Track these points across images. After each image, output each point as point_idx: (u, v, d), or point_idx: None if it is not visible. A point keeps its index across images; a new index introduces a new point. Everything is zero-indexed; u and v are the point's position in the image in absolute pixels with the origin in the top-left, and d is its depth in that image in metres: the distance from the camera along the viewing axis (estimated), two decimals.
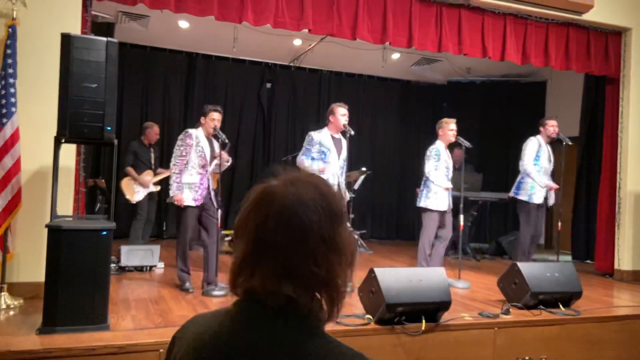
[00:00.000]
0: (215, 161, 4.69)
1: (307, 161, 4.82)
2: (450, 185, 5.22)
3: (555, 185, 5.56)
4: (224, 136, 4.59)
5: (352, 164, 5.88)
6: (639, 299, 4.77)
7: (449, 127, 5.26)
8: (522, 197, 5.58)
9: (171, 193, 4.49)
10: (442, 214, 5.20)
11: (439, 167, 5.21)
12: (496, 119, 8.94)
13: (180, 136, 4.61)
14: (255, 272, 0.92)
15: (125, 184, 6.02)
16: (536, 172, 5.55)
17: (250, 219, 0.94)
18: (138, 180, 6.04)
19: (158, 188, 6.23)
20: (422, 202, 5.23)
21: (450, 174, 5.31)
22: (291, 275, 0.91)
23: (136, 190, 6.02)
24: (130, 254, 5.17)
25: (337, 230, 0.93)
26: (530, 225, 5.54)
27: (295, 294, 0.91)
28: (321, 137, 4.81)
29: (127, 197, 5.95)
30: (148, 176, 6.11)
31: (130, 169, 6.05)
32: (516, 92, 8.97)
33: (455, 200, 5.43)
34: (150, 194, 6.14)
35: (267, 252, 0.91)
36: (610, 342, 3.90)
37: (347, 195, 5.02)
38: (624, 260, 5.97)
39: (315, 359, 0.87)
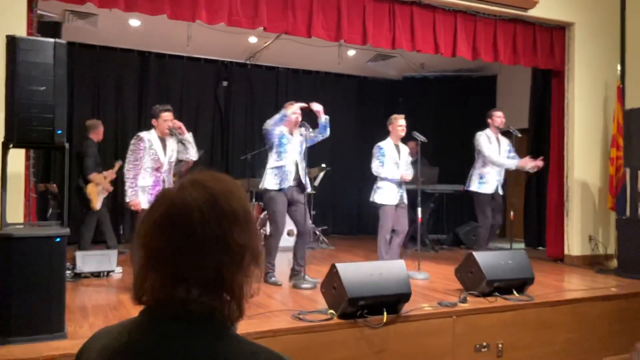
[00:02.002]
0: (170, 160, 4.62)
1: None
2: (397, 175, 5.29)
3: (527, 162, 5.73)
4: (180, 135, 4.55)
5: (312, 161, 5.89)
6: (589, 283, 5.02)
7: (398, 123, 5.38)
8: (473, 188, 5.78)
9: (127, 199, 4.41)
10: (394, 208, 5.30)
11: (386, 163, 5.33)
12: (450, 113, 9.16)
13: (133, 140, 4.53)
14: (148, 279, 0.92)
15: (92, 190, 5.82)
16: (498, 156, 5.72)
17: (142, 226, 0.95)
18: (103, 186, 5.89)
19: (112, 189, 6.12)
20: (373, 197, 5.37)
21: (404, 168, 5.40)
22: (182, 279, 0.90)
23: (99, 196, 5.89)
24: (86, 260, 5.03)
25: (229, 230, 0.92)
26: (485, 215, 5.73)
27: (190, 297, 0.90)
28: (281, 129, 4.84)
29: (93, 205, 5.80)
30: (106, 179, 6.01)
31: (95, 176, 5.84)
32: (469, 86, 9.21)
33: (413, 194, 5.56)
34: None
35: (157, 258, 0.92)
36: (562, 325, 4.09)
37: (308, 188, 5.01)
38: (573, 246, 6.25)
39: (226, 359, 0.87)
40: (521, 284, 4.21)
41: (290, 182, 4.79)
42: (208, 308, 0.91)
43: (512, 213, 6.02)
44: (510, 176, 6.11)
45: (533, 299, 4.08)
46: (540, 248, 7.19)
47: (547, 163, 6.69)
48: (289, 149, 4.83)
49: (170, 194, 0.95)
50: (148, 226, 0.93)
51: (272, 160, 4.86)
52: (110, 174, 6.06)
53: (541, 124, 7.36)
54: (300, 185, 4.87)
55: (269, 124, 4.84)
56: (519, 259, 4.31)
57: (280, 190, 4.78)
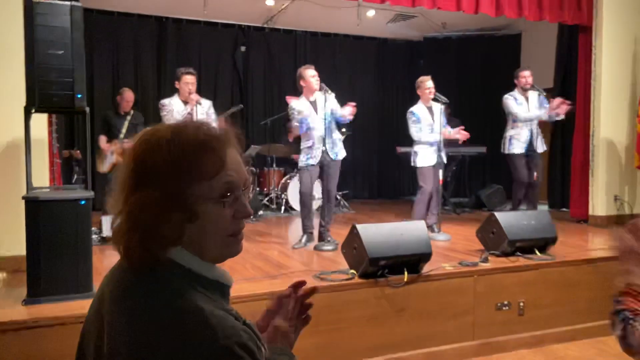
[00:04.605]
0: None
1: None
2: (433, 138, 5.30)
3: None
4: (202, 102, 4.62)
5: None
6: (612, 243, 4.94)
7: (426, 86, 5.35)
8: (505, 150, 5.88)
9: None
10: (432, 168, 5.31)
11: (423, 128, 5.33)
12: (473, 73, 8.96)
13: (160, 110, 4.65)
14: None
15: (98, 153, 5.88)
16: (526, 112, 5.71)
17: None
18: (103, 149, 5.87)
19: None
20: (414, 161, 5.41)
21: (439, 130, 5.33)
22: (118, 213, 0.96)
23: (104, 161, 5.87)
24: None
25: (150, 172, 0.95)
26: (519, 175, 5.78)
27: (120, 235, 0.94)
28: (298, 104, 4.80)
29: (97, 166, 5.84)
30: (114, 146, 5.94)
31: (101, 138, 5.85)
32: (492, 45, 8.96)
33: None
34: (115, 164, 5.94)
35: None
36: (584, 283, 4.06)
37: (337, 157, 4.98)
38: (597, 206, 6.15)
39: (154, 310, 0.87)
40: (544, 244, 4.18)
41: (318, 158, 4.78)
42: (132, 251, 0.92)
43: (535, 174, 5.93)
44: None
45: (555, 258, 4.05)
46: (564, 209, 7.09)
47: (572, 122, 6.54)
48: (314, 124, 4.78)
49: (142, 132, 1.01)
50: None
51: (303, 141, 4.89)
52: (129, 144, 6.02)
53: (567, 82, 7.15)
54: (329, 153, 4.85)
55: (295, 125, 4.81)
56: (541, 219, 4.26)
57: (308, 165, 4.80)
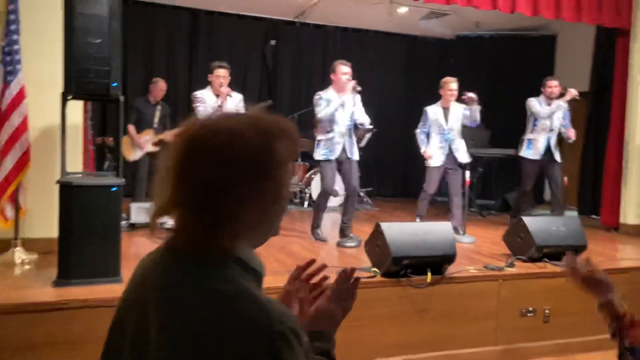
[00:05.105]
0: None
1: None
2: (425, 151, 5.30)
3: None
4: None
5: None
6: None
7: (449, 87, 5.30)
8: (520, 153, 5.94)
9: None
10: (438, 169, 5.29)
11: (431, 129, 5.34)
12: (505, 74, 8.79)
13: (193, 101, 4.77)
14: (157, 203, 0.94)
15: (125, 141, 5.88)
16: (545, 111, 5.68)
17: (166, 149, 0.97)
18: (134, 140, 5.91)
19: (157, 149, 6.11)
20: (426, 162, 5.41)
21: (455, 131, 5.31)
22: (180, 203, 0.91)
23: (134, 149, 5.93)
24: (140, 211, 5.23)
25: (234, 168, 0.91)
26: (525, 181, 5.85)
27: (185, 226, 0.92)
28: (327, 94, 4.79)
29: (125, 154, 5.82)
30: (147, 135, 5.98)
31: (130, 127, 5.89)
32: (525, 46, 8.77)
33: None
34: (151, 154, 6.00)
35: (165, 180, 0.93)
36: None
37: (355, 156, 4.99)
38: (629, 215, 5.99)
39: (204, 295, 0.87)
40: (573, 251, 4.08)
41: (337, 152, 4.78)
42: (200, 240, 0.90)
43: (565, 179, 5.83)
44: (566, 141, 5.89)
45: None
46: (594, 216, 6.93)
47: (607, 128, 6.38)
48: (339, 118, 4.77)
49: (199, 120, 0.96)
50: (168, 148, 0.95)
51: (321, 133, 4.87)
52: (164, 135, 6.03)
53: (603, 87, 6.96)
54: (347, 152, 4.85)
55: (325, 113, 4.75)
56: (571, 225, 4.18)
57: (328, 160, 4.79)
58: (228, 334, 0.84)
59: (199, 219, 0.90)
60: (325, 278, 1.27)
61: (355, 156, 4.92)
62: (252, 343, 0.83)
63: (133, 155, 5.93)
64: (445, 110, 5.33)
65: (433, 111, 5.36)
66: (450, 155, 5.28)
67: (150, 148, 5.98)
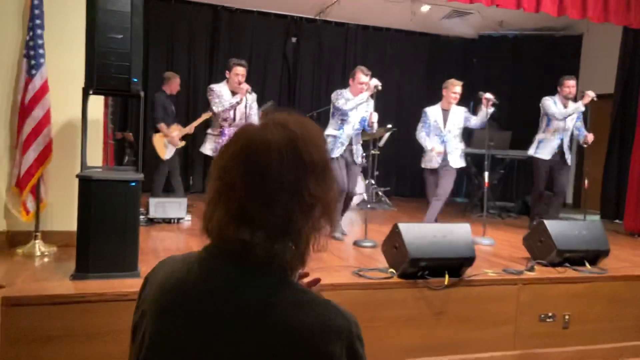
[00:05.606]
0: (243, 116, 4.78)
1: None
2: (434, 148, 5.22)
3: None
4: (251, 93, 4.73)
5: (378, 121, 5.81)
6: None
7: (453, 90, 5.25)
8: (531, 152, 5.85)
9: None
10: (434, 171, 5.26)
11: (430, 130, 5.30)
12: (528, 74, 8.64)
13: (208, 94, 4.85)
14: (215, 214, 0.89)
15: (157, 140, 5.92)
16: (563, 111, 5.58)
17: (218, 158, 0.92)
18: (169, 137, 5.93)
19: (184, 143, 6.19)
20: (422, 161, 5.41)
21: (455, 134, 5.27)
22: (249, 220, 0.87)
23: (167, 147, 5.97)
24: (158, 206, 5.27)
25: (304, 178, 0.88)
26: (537, 182, 5.74)
27: (254, 240, 0.87)
28: (348, 93, 4.81)
29: (159, 154, 5.90)
30: (176, 131, 6.03)
31: (162, 126, 5.91)
32: (550, 46, 8.62)
33: (480, 158, 5.39)
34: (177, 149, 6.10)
35: (226, 194, 0.88)
36: (635, 300, 3.87)
37: (359, 160, 5.00)
38: None
39: (283, 306, 0.86)
40: (594, 256, 4.00)
41: (340, 152, 4.79)
42: (270, 254, 0.88)
43: (586, 181, 5.71)
44: (590, 144, 5.77)
45: (606, 272, 3.87)
46: (617, 221, 6.79)
47: (632, 131, 6.23)
48: (351, 119, 4.79)
49: (250, 130, 0.92)
50: (224, 159, 0.91)
51: (331, 128, 4.87)
52: (189, 129, 6.09)
53: (629, 89, 6.81)
54: (353, 155, 4.89)
55: (347, 105, 4.76)
56: (593, 230, 4.08)
57: (335, 153, 4.80)
58: (318, 339, 0.85)
59: (273, 236, 0.89)
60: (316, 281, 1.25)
61: (359, 160, 4.96)
62: (340, 347, 0.87)
63: (167, 153, 5.95)
64: (445, 112, 5.32)
65: (433, 112, 5.34)
66: (446, 158, 5.28)
67: (179, 143, 6.04)
